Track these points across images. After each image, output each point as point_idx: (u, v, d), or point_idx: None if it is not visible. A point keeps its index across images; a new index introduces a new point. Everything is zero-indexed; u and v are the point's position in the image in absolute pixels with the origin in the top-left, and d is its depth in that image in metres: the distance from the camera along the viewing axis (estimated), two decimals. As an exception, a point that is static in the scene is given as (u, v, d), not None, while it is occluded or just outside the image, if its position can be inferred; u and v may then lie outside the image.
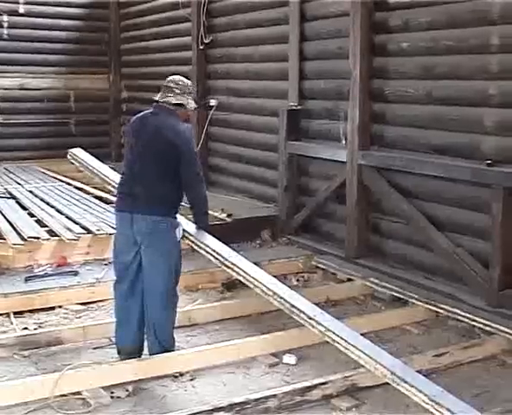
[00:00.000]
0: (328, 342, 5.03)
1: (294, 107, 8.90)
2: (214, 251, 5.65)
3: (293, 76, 8.96)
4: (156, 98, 5.22)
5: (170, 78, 5.27)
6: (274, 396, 4.48)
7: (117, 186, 5.43)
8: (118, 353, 5.22)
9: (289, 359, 5.27)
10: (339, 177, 8.03)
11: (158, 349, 5.11)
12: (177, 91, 5.18)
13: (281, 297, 5.32)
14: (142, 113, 5.33)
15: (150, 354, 5.13)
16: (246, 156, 10.30)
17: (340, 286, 7.10)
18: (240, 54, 10.46)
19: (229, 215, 8.76)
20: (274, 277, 5.76)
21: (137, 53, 14.28)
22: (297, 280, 7.30)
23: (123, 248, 5.16)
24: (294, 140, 8.84)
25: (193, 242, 5.59)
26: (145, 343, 5.19)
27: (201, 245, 5.62)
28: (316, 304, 5.52)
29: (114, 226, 5.54)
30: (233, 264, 5.65)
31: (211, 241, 5.68)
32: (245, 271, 5.62)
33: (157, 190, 5.05)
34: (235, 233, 8.13)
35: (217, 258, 5.67)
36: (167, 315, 5.20)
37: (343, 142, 7.95)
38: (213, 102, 11.01)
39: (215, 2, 10.99)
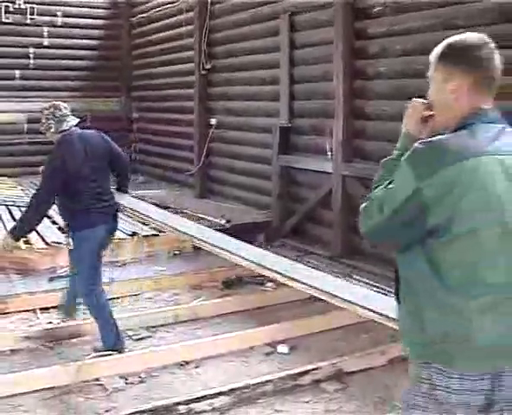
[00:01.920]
0: (317, 333, 5.05)
1: (285, 125, 8.89)
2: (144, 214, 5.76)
3: (284, 97, 8.97)
4: (69, 127, 5.08)
5: (59, 105, 5.16)
6: (270, 381, 4.48)
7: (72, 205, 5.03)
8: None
9: (282, 348, 5.25)
10: (325, 186, 8.04)
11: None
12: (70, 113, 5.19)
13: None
14: (71, 136, 5.06)
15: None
16: (242, 168, 10.30)
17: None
18: (237, 78, 10.47)
19: (228, 221, 8.75)
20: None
21: (146, 78, 14.29)
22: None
23: (96, 257, 5.10)
24: (285, 154, 8.84)
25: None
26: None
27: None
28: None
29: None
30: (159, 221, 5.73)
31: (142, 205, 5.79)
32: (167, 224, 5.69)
33: (109, 192, 5.21)
34: (233, 237, 8.08)
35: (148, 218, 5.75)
36: None
37: (329, 155, 7.94)
38: (213, 121, 11.01)
39: (215, 32, 11.00)
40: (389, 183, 2.19)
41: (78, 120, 5.23)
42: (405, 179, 2.12)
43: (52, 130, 5.09)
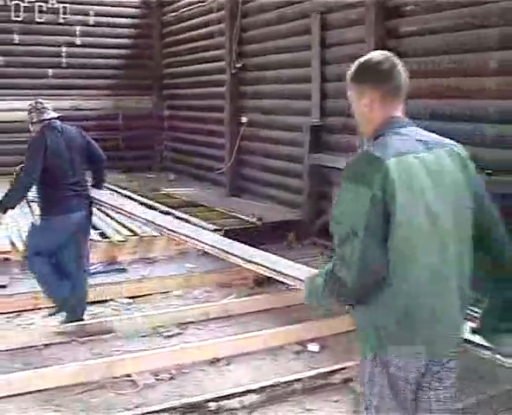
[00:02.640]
0: (347, 332, 5.04)
1: (316, 123, 8.87)
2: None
3: (315, 96, 8.95)
4: (50, 117, 5.51)
5: (40, 100, 5.66)
6: (300, 380, 4.48)
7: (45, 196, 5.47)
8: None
9: (313, 347, 5.25)
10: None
11: None
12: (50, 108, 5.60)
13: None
14: (53, 124, 5.49)
15: None
16: (273, 166, 10.28)
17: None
18: (267, 76, 10.47)
19: (259, 219, 8.74)
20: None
21: (177, 76, 14.35)
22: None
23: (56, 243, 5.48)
24: (316, 152, 8.81)
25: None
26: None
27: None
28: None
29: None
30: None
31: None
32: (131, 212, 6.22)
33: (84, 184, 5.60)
34: (264, 235, 8.10)
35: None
36: None
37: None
38: (244, 119, 11.01)
39: (246, 31, 11.02)
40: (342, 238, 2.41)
41: (58, 115, 5.65)
42: (357, 195, 2.35)
43: (34, 120, 5.52)
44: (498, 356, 2.76)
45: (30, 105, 5.59)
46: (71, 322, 5.56)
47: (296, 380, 4.46)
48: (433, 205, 2.40)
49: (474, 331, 2.70)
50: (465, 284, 2.49)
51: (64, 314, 5.66)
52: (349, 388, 4.52)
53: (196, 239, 5.77)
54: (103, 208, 7.31)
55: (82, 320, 5.62)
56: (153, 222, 6.08)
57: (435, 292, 2.40)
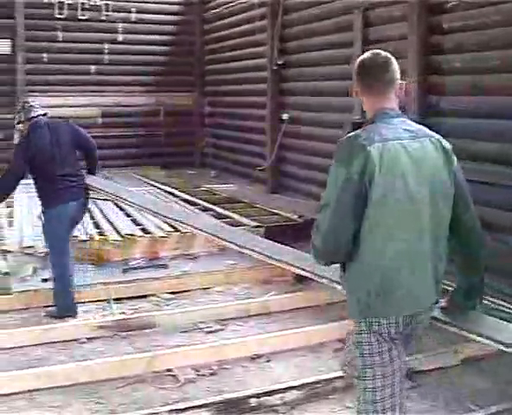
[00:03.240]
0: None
1: (358, 120, 8.82)
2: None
3: (357, 93, 8.90)
4: (37, 114, 5.75)
5: (28, 100, 6.04)
6: (341, 377, 4.44)
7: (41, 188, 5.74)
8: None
9: (354, 344, 5.22)
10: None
11: None
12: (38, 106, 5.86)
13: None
14: (39, 122, 5.74)
15: None
16: (314, 163, 10.25)
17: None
18: (309, 73, 10.44)
19: (300, 216, 8.73)
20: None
21: (218, 73, 14.39)
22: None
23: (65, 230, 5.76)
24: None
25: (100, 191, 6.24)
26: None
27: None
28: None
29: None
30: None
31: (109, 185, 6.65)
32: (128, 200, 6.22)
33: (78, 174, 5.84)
34: (305, 232, 8.06)
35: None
36: None
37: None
38: (285, 116, 11.01)
39: (287, 28, 11.01)
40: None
41: (45, 112, 5.91)
42: (337, 174, 2.69)
43: (22, 119, 5.77)
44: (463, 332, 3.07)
45: (19, 105, 5.97)
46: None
47: (337, 378, 4.44)
48: (413, 188, 2.69)
49: (442, 309, 3.04)
50: (440, 265, 2.81)
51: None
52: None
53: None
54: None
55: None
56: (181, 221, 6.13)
57: (410, 268, 2.71)
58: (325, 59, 9.95)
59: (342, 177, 2.65)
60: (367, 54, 2.91)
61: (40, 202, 5.85)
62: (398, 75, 2.89)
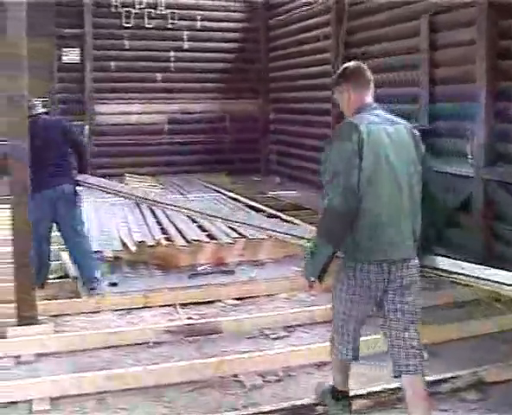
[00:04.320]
0: (456, 340, 4.94)
1: (424, 127, 8.73)
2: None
3: (423, 99, 8.82)
4: (41, 111, 6.52)
5: (31, 99, 6.27)
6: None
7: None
8: None
9: (421, 353, 5.17)
10: (465, 190, 7.83)
11: None
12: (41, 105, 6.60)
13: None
14: (36, 119, 6.37)
15: None
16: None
17: (465, 289, 6.87)
18: (374, 79, 10.34)
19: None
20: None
21: (283, 80, 14.42)
22: (427, 282, 7.11)
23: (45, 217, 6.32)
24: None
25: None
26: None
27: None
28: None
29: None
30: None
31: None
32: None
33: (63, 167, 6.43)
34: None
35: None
36: None
37: (470, 158, 7.73)
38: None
39: (352, 34, 10.97)
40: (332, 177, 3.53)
41: (45, 110, 6.73)
42: (342, 148, 3.52)
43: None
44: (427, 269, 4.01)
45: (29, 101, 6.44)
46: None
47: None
48: (392, 159, 3.53)
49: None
50: (416, 224, 3.62)
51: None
52: (459, 398, 4.43)
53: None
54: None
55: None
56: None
57: (394, 219, 3.54)
58: (390, 65, 9.86)
59: (348, 149, 3.47)
60: (353, 64, 3.90)
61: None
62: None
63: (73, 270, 7.05)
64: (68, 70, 13.54)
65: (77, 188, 6.52)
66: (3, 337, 5.44)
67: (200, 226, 8.17)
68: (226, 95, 14.64)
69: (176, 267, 7.24)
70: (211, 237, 7.71)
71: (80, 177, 6.55)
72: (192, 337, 5.52)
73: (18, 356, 5.16)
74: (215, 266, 7.34)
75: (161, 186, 11.72)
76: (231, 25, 14.91)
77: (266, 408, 4.22)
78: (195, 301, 6.39)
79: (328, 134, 11.55)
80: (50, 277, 6.92)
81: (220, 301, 6.41)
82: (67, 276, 7.08)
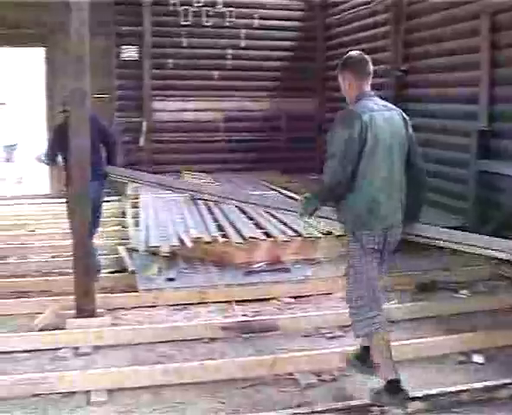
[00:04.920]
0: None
1: (484, 128, 8.61)
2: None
3: (483, 100, 8.68)
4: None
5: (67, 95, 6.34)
6: (466, 391, 4.37)
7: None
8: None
9: (478, 358, 5.11)
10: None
11: None
12: None
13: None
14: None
15: None
16: (436, 171, 10.03)
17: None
18: (433, 79, 10.25)
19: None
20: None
21: (335, 79, 14.31)
22: (483, 286, 7.03)
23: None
24: (484, 158, 8.54)
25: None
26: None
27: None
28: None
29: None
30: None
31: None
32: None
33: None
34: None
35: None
36: None
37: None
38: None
39: (411, 33, 10.85)
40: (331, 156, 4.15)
41: None
42: (343, 134, 4.07)
43: (61, 110, 6.89)
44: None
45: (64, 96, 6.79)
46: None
47: (461, 391, 4.36)
48: (388, 141, 4.13)
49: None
50: (403, 195, 4.26)
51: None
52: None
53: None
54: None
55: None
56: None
57: (387, 194, 4.14)
58: (450, 65, 9.73)
59: (346, 135, 4.04)
60: (356, 54, 4.41)
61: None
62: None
63: (130, 264, 7.15)
64: (127, 67, 13.69)
65: (104, 181, 6.76)
66: (63, 328, 5.56)
67: (256, 224, 8.17)
68: (282, 93, 14.61)
69: (231, 264, 7.25)
70: (267, 235, 7.70)
71: (109, 168, 6.71)
72: (248, 334, 5.56)
73: (77, 348, 5.27)
74: (271, 264, 7.32)
75: (216, 184, 11.73)
76: (288, 23, 14.86)
77: (321, 407, 4.22)
78: (250, 298, 6.42)
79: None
80: (107, 270, 7.07)
81: (275, 299, 6.44)
82: (124, 270, 7.20)
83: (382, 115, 4.13)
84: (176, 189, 7.02)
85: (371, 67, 4.32)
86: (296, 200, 10.08)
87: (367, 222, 4.12)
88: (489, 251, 4.42)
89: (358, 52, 4.41)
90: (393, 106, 4.31)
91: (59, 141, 6.57)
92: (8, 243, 8.75)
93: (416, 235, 4.58)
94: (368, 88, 4.28)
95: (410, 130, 4.30)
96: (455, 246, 4.68)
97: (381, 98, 4.34)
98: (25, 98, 19.98)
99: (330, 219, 4.67)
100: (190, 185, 7.46)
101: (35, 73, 17.35)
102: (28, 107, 19.70)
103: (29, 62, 18.04)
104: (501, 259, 4.78)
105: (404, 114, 4.33)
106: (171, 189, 7.09)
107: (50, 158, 6.99)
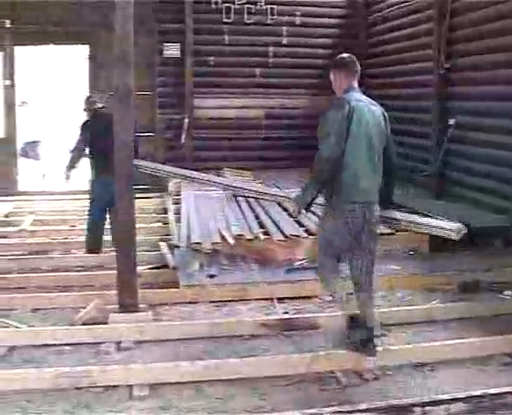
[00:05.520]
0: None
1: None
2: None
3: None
4: (99, 106, 7.78)
5: (91, 95, 7.71)
6: (511, 393, 4.30)
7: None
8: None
9: (522, 360, 5.04)
10: None
11: None
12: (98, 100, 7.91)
13: None
14: (94, 117, 7.74)
15: None
16: (481, 170, 9.91)
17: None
18: (478, 77, 10.11)
19: (464, 224, 8.47)
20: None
21: (382, 76, 14.23)
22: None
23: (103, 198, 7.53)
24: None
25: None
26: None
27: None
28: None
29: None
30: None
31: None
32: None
33: None
34: (470, 240, 7.82)
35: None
36: None
37: None
38: (451, 121, 10.71)
39: (455, 30, 10.73)
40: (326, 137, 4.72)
41: (103, 105, 7.76)
42: (335, 115, 4.69)
43: (85, 108, 7.93)
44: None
45: (86, 96, 7.96)
46: None
47: (506, 393, 4.30)
48: (370, 130, 4.77)
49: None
50: (379, 177, 4.87)
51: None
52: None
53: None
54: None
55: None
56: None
57: (368, 171, 4.76)
58: (496, 62, 9.59)
59: (339, 116, 4.66)
60: (346, 57, 5.06)
61: (92, 171, 7.77)
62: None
63: (171, 260, 7.20)
64: (169, 64, 13.77)
65: None
66: (105, 323, 5.61)
67: (298, 221, 8.16)
68: (323, 92, 14.54)
69: (273, 261, 7.26)
70: (309, 232, 7.67)
71: (136, 162, 6.67)
72: (288, 332, 5.56)
73: (119, 342, 5.32)
74: (312, 262, 7.27)
75: (258, 181, 11.74)
76: (330, 21, 14.80)
77: (362, 406, 4.19)
78: (291, 296, 6.42)
79: (427, 133, 11.40)
80: (149, 266, 7.11)
81: (316, 296, 6.42)
82: (166, 266, 7.24)
83: (366, 106, 4.83)
84: (200, 181, 7.71)
85: (358, 67, 5.04)
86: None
87: (350, 195, 4.71)
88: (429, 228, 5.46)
89: (347, 54, 5.12)
90: (375, 103, 4.98)
91: (85, 136, 7.50)
92: (52, 237, 8.87)
93: (387, 217, 5.18)
94: (355, 85, 4.96)
95: (388, 128, 4.99)
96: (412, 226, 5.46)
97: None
98: (47, 97, 19.79)
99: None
100: (212, 179, 7.94)
101: (58, 71, 17.55)
102: (51, 106, 19.65)
103: (51, 61, 18.16)
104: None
105: (385, 112, 5.00)
106: (197, 181, 7.75)
107: (79, 151, 7.72)
